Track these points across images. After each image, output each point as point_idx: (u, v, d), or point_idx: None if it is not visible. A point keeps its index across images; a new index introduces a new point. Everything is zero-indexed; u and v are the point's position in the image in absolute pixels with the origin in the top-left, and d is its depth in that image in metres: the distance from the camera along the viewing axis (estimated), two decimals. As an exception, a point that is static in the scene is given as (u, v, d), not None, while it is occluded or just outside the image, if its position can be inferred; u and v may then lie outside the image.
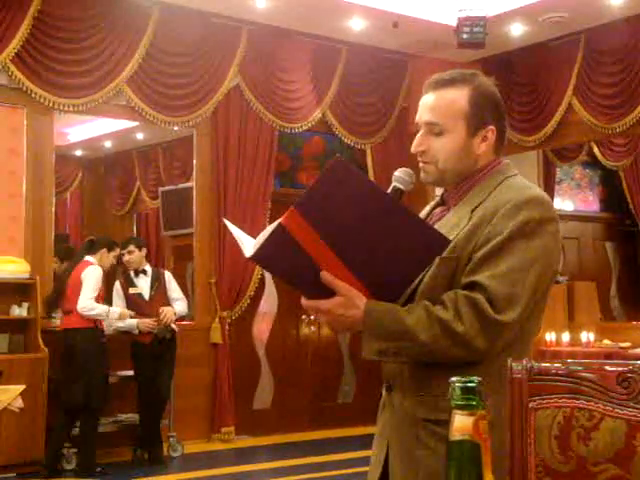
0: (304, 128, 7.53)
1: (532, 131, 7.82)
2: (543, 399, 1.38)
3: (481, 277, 1.63)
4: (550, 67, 7.69)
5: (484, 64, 8.12)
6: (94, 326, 5.77)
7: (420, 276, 1.69)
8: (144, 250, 6.34)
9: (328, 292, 1.61)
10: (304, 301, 1.66)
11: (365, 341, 1.66)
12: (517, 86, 8.00)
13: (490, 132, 1.77)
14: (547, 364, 1.40)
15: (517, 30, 7.41)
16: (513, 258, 1.64)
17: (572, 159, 9.26)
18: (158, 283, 6.30)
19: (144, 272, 6.28)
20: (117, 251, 6.13)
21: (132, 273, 6.27)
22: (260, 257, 1.55)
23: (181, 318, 6.44)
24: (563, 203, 9.92)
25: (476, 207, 1.73)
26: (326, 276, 1.59)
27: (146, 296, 6.22)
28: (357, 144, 7.82)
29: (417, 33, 7.35)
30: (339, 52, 7.65)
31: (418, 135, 1.79)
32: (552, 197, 9.08)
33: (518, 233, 1.65)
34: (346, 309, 1.62)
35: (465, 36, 6.79)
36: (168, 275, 6.41)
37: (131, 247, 6.26)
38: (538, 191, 1.74)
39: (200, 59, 7.00)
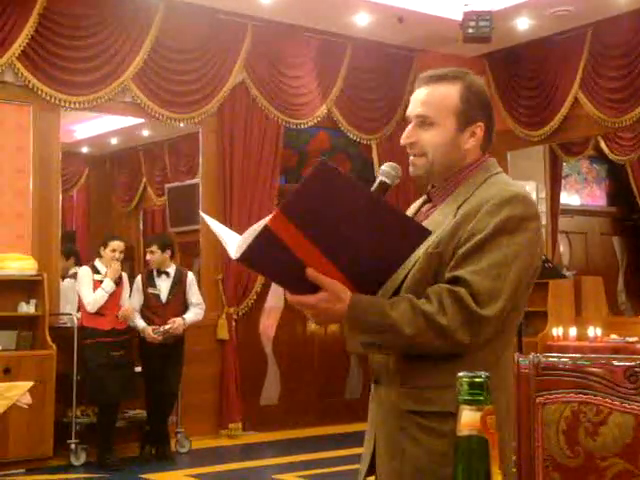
0: (310, 124, 7.53)
1: (538, 125, 7.80)
2: (551, 394, 1.38)
3: (464, 272, 1.67)
4: (556, 61, 7.66)
5: (490, 58, 8.11)
6: (80, 326, 5.97)
7: (405, 272, 1.73)
8: (168, 252, 6.19)
9: (313, 287, 1.65)
10: (289, 296, 1.69)
11: (349, 334, 1.70)
12: (523, 80, 7.98)
13: (479, 128, 1.81)
14: (554, 359, 1.40)
15: (523, 24, 7.39)
16: (495, 254, 1.67)
17: (579, 153, 9.24)
18: (179, 286, 6.21)
19: (166, 274, 6.20)
20: (111, 244, 6.00)
21: (155, 272, 6.21)
22: (246, 258, 1.59)
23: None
24: (570, 198, 9.89)
25: (461, 204, 1.76)
26: (311, 273, 1.62)
27: (163, 298, 6.18)
28: (363, 139, 7.82)
29: (423, 28, 7.33)
30: (344, 48, 7.64)
31: (408, 128, 1.83)
32: (559, 192, 9.07)
33: (500, 230, 1.68)
34: (331, 303, 1.64)
35: (471, 30, 6.77)
36: (191, 278, 6.31)
37: (154, 247, 6.19)
38: (520, 189, 1.78)
39: (205, 55, 6.99)
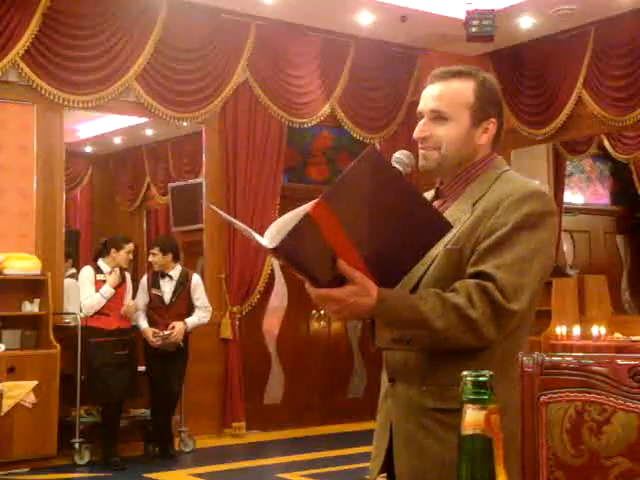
0: (313, 123, 7.53)
1: (542, 124, 7.79)
2: (554, 393, 1.38)
3: (487, 267, 1.67)
4: (560, 60, 7.65)
5: (493, 57, 8.10)
6: (85, 325, 5.94)
7: (423, 270, 1.72)
8: (169, 255, 6.16)
9: (337, 281, 1.61)
10: (314, 289, 1.63)
11: (379, 330, 1.68)
12: (526, 79, 7.97)
13: (492, 124, 1.83)
14: (558, 358, 1.40)
15: (526, 23, 7.38)
16: (518, 248, 1.68)
17: (582, 152, 9.23)
18: (182, 289, 6.17)
19: (170, 276, 6.17)
20: (127, 247, 6.07)
21: (159, 273, 6.20)
22: (284, 248, 1.52)
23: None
24: (573, 196, 9.88)
25: (477, 200, 1.77)
26: (343, 264, 1.59)
27: (166, 300, 6.17)
28: (366, 138, 7.81)
29: (426, 27, 7.32)
30: (347, 47, 7.64)
31: (421, 122, 1.83)
32: (562, 190, 9.07)
33: (522, 225, 1.69)
34: (359, 297, 1.61)
35: (474, 29, 6.76)
36: (195, 280, 6.25)
37: (155, 249, 6.21)
38: (537, 184, 1.83)
39: (209, 55, 7.00)
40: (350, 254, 1.58)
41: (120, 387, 5.87)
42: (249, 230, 1.64)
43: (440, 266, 1.72)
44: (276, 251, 1.53)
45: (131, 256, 6.12)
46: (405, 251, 1.63)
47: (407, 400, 1.76)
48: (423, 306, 1.64)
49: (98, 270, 6.03)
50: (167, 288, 6.20)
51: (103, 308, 5.92)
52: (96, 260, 6.12)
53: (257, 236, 1.60)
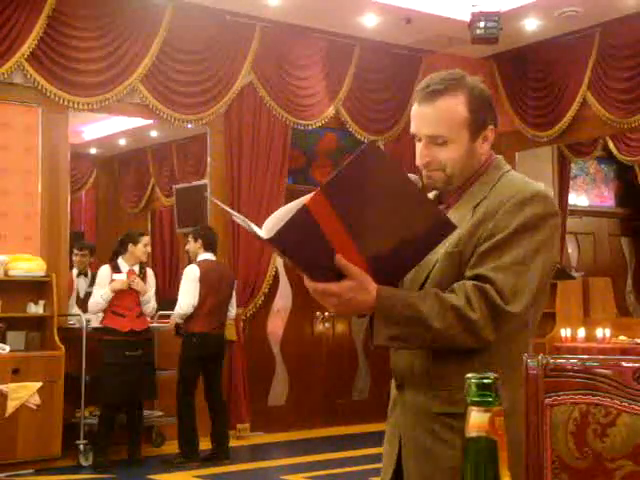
0: (317, 124, 7.54)
1: (547, 126, 7.79)
2: (559, 395, 1.38)
3: (485, 270, 1.67)
4: (565, 62, 7.64)
5: (498, 59, 8.10)
6: (101, 325, 5.92)
7: (426, 274, 1.73)
8: (199, 241, 6.09)
9: (337, 276, 1.60)
10: (311, 283, 1.63)
11: (377, 327, 1.66)
12: (531, 81, 7.97)
13: (490, 132, 1.82)
14: (563, 360, 1.40)
15: (531, 25, 7.38)
16: (517, 251, 1.68)
17: (587, 154, 9.22)
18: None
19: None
20: (144, 239, 5.99)
21: None
22: (279, 239, 1.51)
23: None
24: (578, 198, 9.87)
25: (479, 203, 1.76)
26: (340, 260, 1.58)
27: None
28: (370, 140, 7.80)
29: (430, 29, 7.32)
30: (352, 48, 7.64)
31: (420, 147, 1.81)
32: (567, 192, 9.06)
33: (523, 228, 1.69)
34: (356, 293, 1.61)
35: (479, 31, 6.75)
36: (183, 272, 6.15)
37: (189, 237, 6.19)
38: (539, 186, 1.79)
39: (213, 56, 7.01)
40: (349, 250, 1.57)
41: (124, 389, 5.76)
42: (247, 221, 1.62)
43: (442, 270, 1.72)
44: (272, 242, 1.52)
45: (149, 249, 6.07)
46: (407, 250, 1.62)
47: (415, 407, 1.76)
48: (422, 305, 1.64)
49: (117, 269, 5.92)
50: None
51: (118, 308, 5.84)
52: (116, 259, 6.00)
53: (254, 227, 1.59)
